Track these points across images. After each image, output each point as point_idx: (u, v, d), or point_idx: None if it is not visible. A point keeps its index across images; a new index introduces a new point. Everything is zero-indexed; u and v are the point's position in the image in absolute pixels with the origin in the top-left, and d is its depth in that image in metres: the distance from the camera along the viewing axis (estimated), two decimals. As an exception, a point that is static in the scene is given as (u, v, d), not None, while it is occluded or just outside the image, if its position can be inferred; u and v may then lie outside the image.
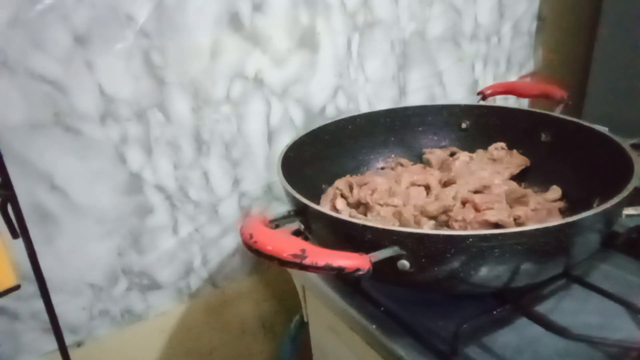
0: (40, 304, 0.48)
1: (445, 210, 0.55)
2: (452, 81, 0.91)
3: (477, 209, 0.54)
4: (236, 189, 0.72)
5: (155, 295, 0.70)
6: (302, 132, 0.64)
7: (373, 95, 0.81)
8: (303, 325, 0.76)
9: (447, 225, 0.55)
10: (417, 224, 0.55)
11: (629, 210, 0.60)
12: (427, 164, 0.69)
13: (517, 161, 0.64)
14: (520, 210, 0.53)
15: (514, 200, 0.56)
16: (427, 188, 0.61)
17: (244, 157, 0.71)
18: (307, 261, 0.37)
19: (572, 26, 1.04)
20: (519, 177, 0.63)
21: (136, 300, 0.69)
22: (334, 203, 0.61)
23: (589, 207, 0.42)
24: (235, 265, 0.77)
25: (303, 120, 0.75)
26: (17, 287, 0.46)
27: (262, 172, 0.74)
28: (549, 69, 1.04)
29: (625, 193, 0.43)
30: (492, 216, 0.52)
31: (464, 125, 0.71)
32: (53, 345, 0.51)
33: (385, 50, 0.80)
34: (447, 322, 0.47)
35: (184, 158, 0.66)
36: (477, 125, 0.71)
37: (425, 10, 0.82)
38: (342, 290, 0.55)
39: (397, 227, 0.44)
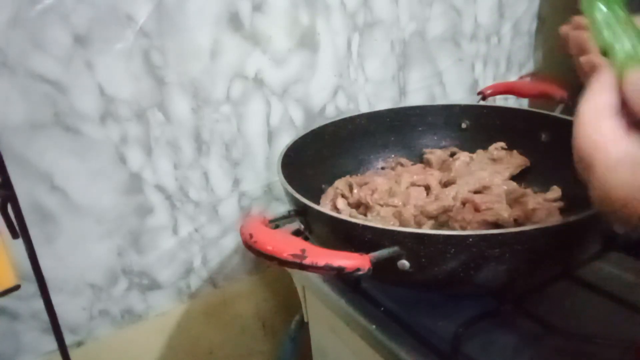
0: (40, 304, 0.48)
1: (445, 210, 0.55)
2: (452, 81, 0.90)
3: (477, 209, 0.54)
4: (236, 189, 0.72)
5: (155, 295, 0.70)
6: (302, 132, 0.64)
7: (373, 95, 0.81)
8: (303, 325, 0.76)
9: (447, 225, 0.55)
10: (417, 224, 0.55)
11: (629, 210, 0.60)
12: (427, 164, 0.69)
13: (517, 161, 0.64)
14: (520, 210, 0.53)
15: (514, 200, 0.56)
16: (427, 188, 0.61)
17: (244, 157, 0.71)
18: (307, 261, 0.37)
19: (572, 26, 1.04)
20: (519, 177, 0.63)
21: (136, 300, 0.69)
22: (334, 203, 0.61)
23: (589, 207, 0.42)
24: (235, 265, 0.77)
25: (303, 120, 0.75)
26: (17, 287, 0.46)
27: (262, 172, 0.74)
28: (549, 69, 1.04)
29: (625, 193, 0.42)
30: (492, 216, 0.52)
31: (464, 125, 0.71)
32: (53, 345, 0.51)
33: (385, 50, 0.80)
34: (447, 322, 0.47)
35: (184, 158, 0.66)
36: (477, 125, 0.71)
37: (425, 10, 0.82)
38: (342, 290, 0.55)
39: (397, 227, 0.44)
